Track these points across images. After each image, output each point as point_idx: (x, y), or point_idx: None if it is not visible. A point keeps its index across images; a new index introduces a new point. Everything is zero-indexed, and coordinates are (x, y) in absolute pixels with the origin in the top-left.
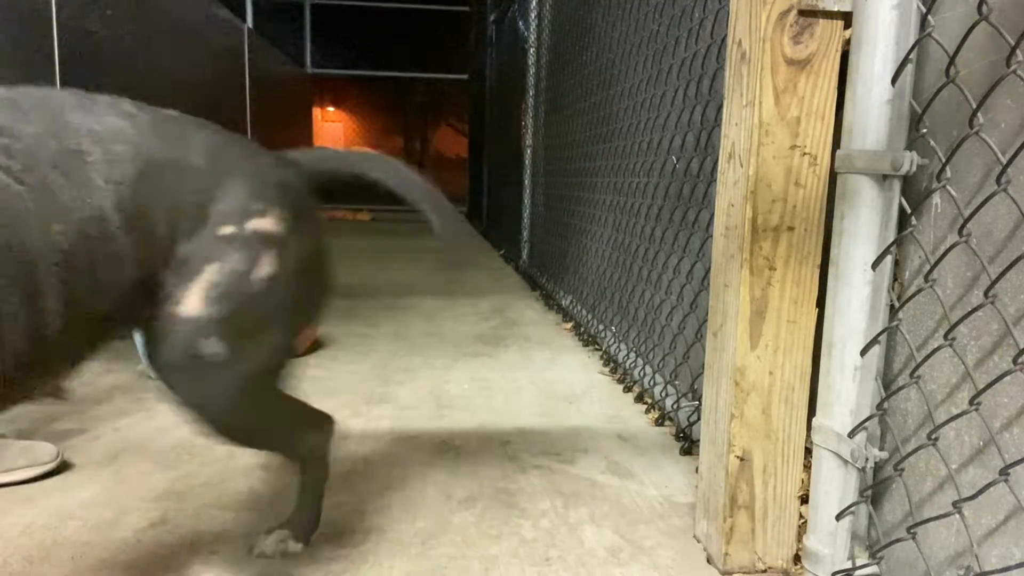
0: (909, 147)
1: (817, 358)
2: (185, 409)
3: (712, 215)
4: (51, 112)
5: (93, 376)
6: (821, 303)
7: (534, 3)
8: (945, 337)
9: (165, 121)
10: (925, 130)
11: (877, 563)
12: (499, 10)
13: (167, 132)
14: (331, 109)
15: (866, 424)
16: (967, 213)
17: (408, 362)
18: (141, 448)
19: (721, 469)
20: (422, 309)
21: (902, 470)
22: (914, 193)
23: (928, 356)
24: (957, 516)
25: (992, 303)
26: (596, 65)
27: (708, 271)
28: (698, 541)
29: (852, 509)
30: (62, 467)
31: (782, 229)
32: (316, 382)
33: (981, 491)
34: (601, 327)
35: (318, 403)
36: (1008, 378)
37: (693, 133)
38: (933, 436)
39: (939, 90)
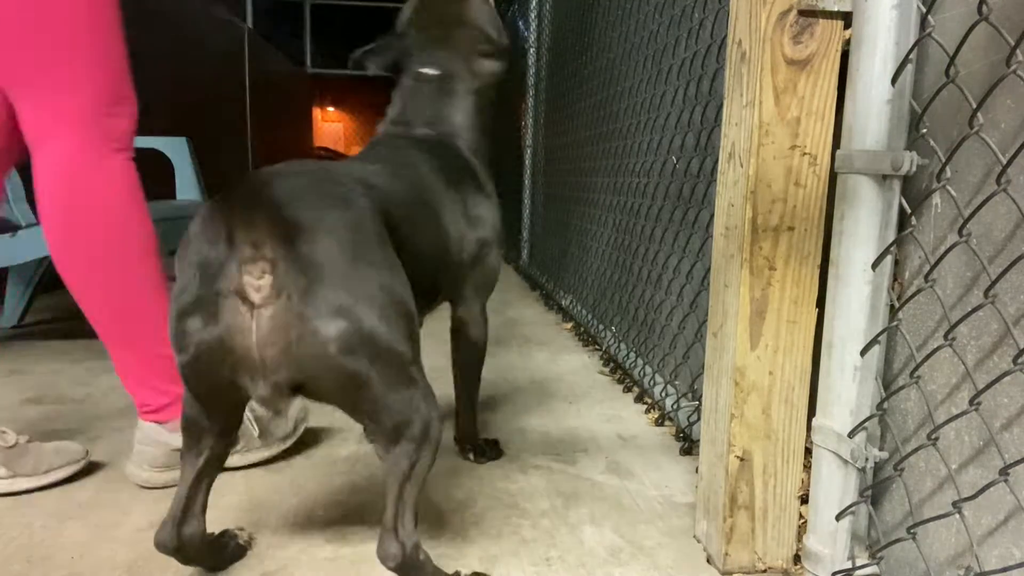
0: (909, 147)
1: (817, 358)
2: None
3: (712, 215)
4: None
5: (92, 376)
6: (821, 303)
7: (534, 3)
8: (945, 337)
9: None
10: (925, 130)
11: (877, 563)
12: (499, 10)
13: None
14: (331, 109)
15: (866, 424)
16: (967, 213)
17: None
18: None
19: (721, 469)
20: None
21: (902, 470)
22: (914, 193)
23: (928, 356)
24: (957, 516)
25: (992, 303)
26: (596, 65)
27: (708, 271)
28: (698, 541)
29: (852, 509)
30: (91, 464)
31: (782, 229)
32: None
33: (981, 491)
34: (601, 327)
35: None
36: (1008, 378)
37: (693, 133)
38: (933, 436)
39: (939, 90)
